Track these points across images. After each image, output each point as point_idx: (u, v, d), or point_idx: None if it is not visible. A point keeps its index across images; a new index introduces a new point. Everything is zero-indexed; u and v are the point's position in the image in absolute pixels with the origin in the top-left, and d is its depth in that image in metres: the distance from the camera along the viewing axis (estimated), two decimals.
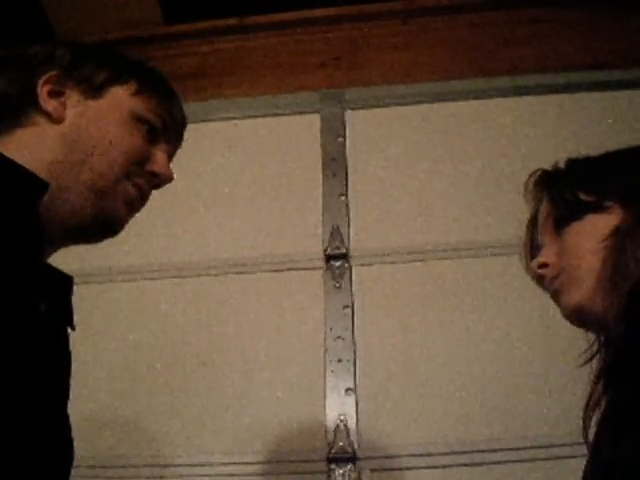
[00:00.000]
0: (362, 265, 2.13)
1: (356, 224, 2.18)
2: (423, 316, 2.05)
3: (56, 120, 1.06)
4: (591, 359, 1.15)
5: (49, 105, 1.06)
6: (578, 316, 1.07)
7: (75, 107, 1.07)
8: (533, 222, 1.19)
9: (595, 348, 1.15)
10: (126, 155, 1.07)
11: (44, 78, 1.07)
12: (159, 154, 1.13)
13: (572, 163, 1.16)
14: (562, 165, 1.17)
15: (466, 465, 1.90)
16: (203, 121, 2.31)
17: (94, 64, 1.11)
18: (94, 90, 1.09)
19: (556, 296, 1.10)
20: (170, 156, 1.17)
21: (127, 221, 1.12)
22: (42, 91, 1.06)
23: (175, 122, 1.17)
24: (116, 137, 1.07)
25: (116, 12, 2.38)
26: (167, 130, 1.15)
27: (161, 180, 1.14)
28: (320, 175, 2.25)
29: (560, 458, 1.84)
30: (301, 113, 2.35)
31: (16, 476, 0.86)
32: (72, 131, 1.06)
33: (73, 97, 1.08)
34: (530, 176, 1.21)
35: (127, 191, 1.08)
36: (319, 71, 2.38)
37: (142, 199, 1.13)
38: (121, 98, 1.10)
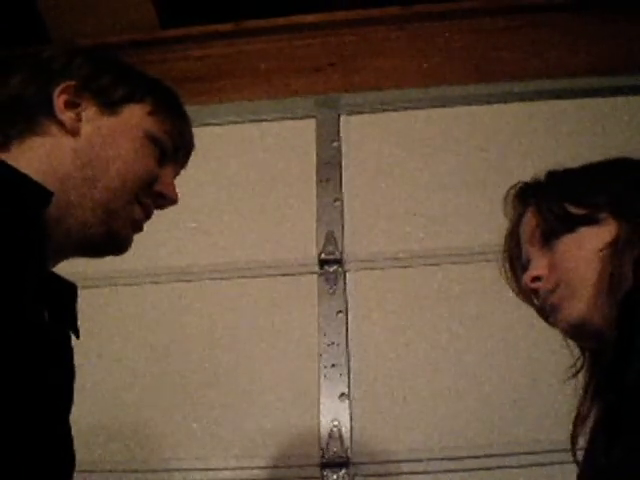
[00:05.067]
0: (356, 270, 2.13)
1: (350, 229, 2.18)
2: (417, 322, 2.05)
3: (70, 132, 1.04)
4: (576, 374, 1.15)
5: (65, 116, 1.05)
6: (579, 330, 1.07)
7: (91, 122, 1.06)
8: (513, 235, 1.19)
9: (580, 363, 1.15)
10: (139, 176, 1.07)
11: (61, 87, 1.06)
12: (166, 175, 1.13)
13: (554, 175, 1.16)
14: (543, 177, 1.17)
15: (459, 471, 1.90)
16: (197, 126, 2.29)
17: (111, 78, 1.10)
18: (111, 106, 1.08)
19: (553, 311, 1.10)
20: (175, 177, 1.17)
21: (132, 240, 1.12)
22: (58, 101, 1.05)
23: (185, 144, 1.17)
24: (131, 157, 1.06)
25: (112, 16, 2.38)
26: (177, 152, 1.14)
27: (166, 202, 1.14)
28: (315, 180, 2.25)
29: (554, 464, 1.83)
30: (296, 118, 2.35)
31: None
32: (87, 147, 1.04)
33: (89, 111, 1.07)
34: (510, 189, 1.21)
35: (134, 212, 1.08)
36: (314, 76, 2.38)
37: (146, 219, 1.13)
38: (137, 117, 1.09)
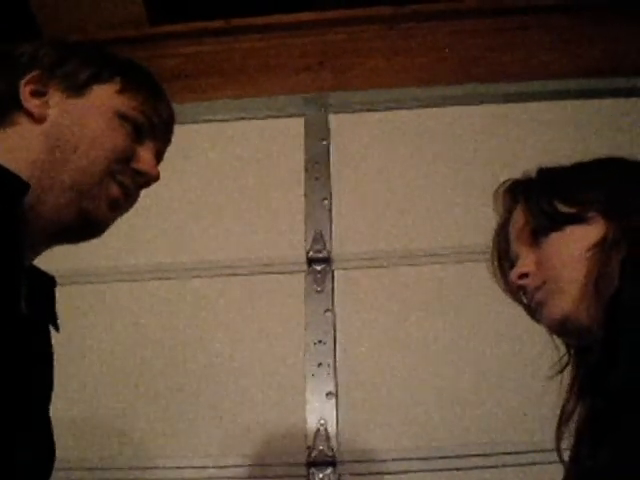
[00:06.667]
0: (344, 269, 2.13)
1: (338, 228, 2.18)
2: (404, 320, 2.06)
3: (38, 120, 1.05)
4: (561, 371, 1.15)
5: (31, 105, 1.05)
6: (563, 326, 1.07)
7: (58, 106, 1.06)
8: (502, 232, 1.19)
9: (565, 360, 1.15)
10: (109, 153, 1.06)
11: (27, 78, 1.06)
12: (145, 152, 1.12)
13: (545, 173, 1.16)
14: (534, 175, 1.17)
15: (446, 470, 1.91)
16: (186, 123, 2.30)
17: (77, 62, 1.10)
18: (77, 88, 1.08)
19: (539, 307, 1.10)
20: (158, 154, 1.16)
21: (111, 222, 1.11)
22: (24, 91, 1.05)
23: (162, 120, 1.15)
24: (99, 136, 1.06)
25: (101, 12, 2.37)
26: (154, 128, 1.13)
27: (147, 178, 1.12)
28: (303, 179, 2.25)
29: (540, 464, 1.84)
30: (285, 116, 2.35)
31: None
32: (54, 130, 1.05)
33: (56, 96, 1.07)
34: (500, 185, 1.21)
35: (110, 191, 1.07)
36: (303, 74, 2.38)
37: (127, 199, 1.11)
38: (105, 96, 1.09)
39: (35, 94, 1.06)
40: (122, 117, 1.09)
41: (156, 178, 1.13)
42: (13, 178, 0.98)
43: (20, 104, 1.05)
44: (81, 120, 1.06)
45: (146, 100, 1.12)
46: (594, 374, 1.00)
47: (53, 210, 1.03)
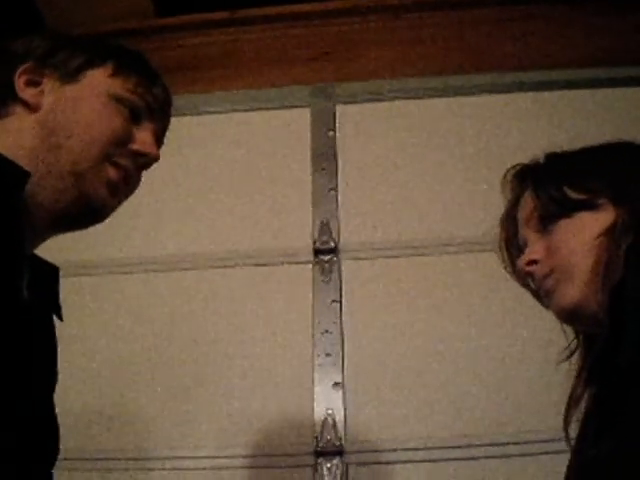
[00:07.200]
0: (351, 259, 2.14)
1: (345, 218, 2.18)
2: (411, 311, 2.06)
3: (34, 108, 1.06)
4: (569, 357, 1.15)
5: (26, 94, 1.06)
6: (573, 314, 1.06)
7: (52, 93, 1.07)
8: (510, 217, 1.18)
9: (574, 346, 1.15)
10: (105, 136, 1.07)
11: (21, 69, 1.07)
12: (142, 133, 1.12)
13: (554, 158, 1.15)
14: (542, 160, 1.16)
15: (453, 459, 1.91)
16: (193, 114, 2.31)
17: (69, 51, 1.11)
18: (70, 75, 1.09)
19: (548, 295, 1.09)
20: (158, 136, 1.16)
21: (113, 205, 1.11)
22: (19, 82, 1.07)
23: (158, 101, 1.16)
24: (94, 119, 1.07)
25: (107, 4, 2.37)
26: (150, 110, 1.14)
27: (146, 159, 1.13)
28: (310, 169, 2.25)
29: (546, 453, 1.84)
30: (291, 107, 2.35)
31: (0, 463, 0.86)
32: (49, 116, 1.06)
33: (50, 84, 1.08)
34: (508, 170, 1.20)
35: (108, 173, 1.07)
36: (310, 65, 2.38)
37: (127, 181, 1.11)
38: (98, 80, 1.10)
39: (30, 84, 1.07)
40: (117, 99, 1.09)
41: (155, 158, 1.14)
42: (13, 167, 0.99)
43: (16, 95, 1.06)
44: (75, 105, 1.07)
45: (140, 82, 1.13)
46: (601, 360, 0.99)
47: (52, 196, 1.04)
